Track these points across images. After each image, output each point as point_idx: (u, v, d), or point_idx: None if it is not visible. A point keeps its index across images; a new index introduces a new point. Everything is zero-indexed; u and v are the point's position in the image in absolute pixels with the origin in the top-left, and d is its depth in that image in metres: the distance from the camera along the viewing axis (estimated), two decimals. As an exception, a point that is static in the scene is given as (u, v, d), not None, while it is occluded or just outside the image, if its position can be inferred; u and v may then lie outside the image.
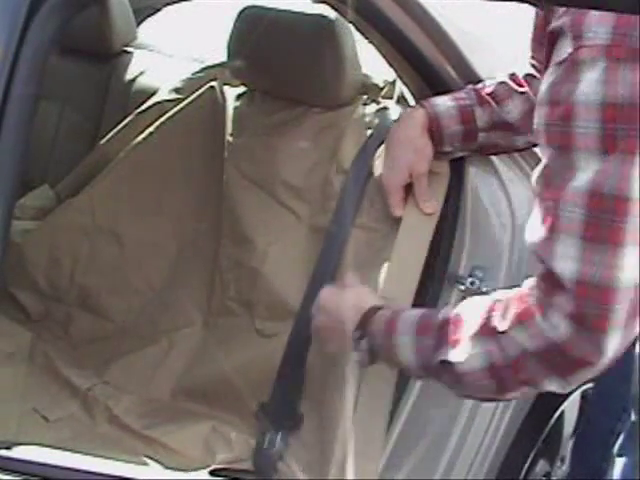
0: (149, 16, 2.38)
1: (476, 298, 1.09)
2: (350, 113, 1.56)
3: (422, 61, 1.40)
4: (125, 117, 1.85)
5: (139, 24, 2.29)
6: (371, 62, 1.58)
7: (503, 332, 1.01)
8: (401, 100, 1.55)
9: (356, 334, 1.18)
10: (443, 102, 1.34)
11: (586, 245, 0.93)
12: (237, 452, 1.42)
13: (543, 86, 0.98)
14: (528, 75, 1.33)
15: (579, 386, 1.59)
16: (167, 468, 1.36)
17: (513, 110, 1.33)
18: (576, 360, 0.97)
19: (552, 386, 1.02)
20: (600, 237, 0.92)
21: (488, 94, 1.34)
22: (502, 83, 1.35)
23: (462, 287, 1.38)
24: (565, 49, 0.95)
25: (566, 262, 0.94)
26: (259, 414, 1.44)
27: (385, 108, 1.56)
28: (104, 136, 1.87)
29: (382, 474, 1.33)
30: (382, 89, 1.59)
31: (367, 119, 1.55)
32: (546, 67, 1.00)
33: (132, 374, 1.58)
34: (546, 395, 1.51)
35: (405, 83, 1.49)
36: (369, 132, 1.52)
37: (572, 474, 1.62)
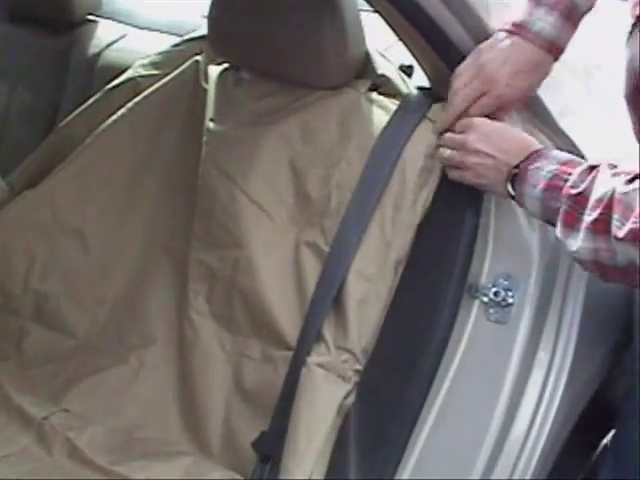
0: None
1: (607, 175, 1.12)
2: (354, 102, 1.44)
3: (440, 36, 1.30)
4: (90, 96, 1.73)
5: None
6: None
7: (617, 240, 1.08)
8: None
9: (514, 170, 1.25)
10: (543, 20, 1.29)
11: None
12: None
13: None
14: None
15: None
16: None
17: None
18: None
19: None
20: None
21: None
22: None
23: (485, 299, 1.29)
24: None
25: None
26: (257, 445, 1.35)
27: (394, 101, 1.44)
28: (64, 118, 1.75)
29: None
30: (381, 77, 1.47)
31: (374, 110, 1.43)
32: None
33: (97, 400, 1.45)
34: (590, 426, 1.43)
35: (419, 62, 1.39)
36: (377, 130, 1.40)
37: None
